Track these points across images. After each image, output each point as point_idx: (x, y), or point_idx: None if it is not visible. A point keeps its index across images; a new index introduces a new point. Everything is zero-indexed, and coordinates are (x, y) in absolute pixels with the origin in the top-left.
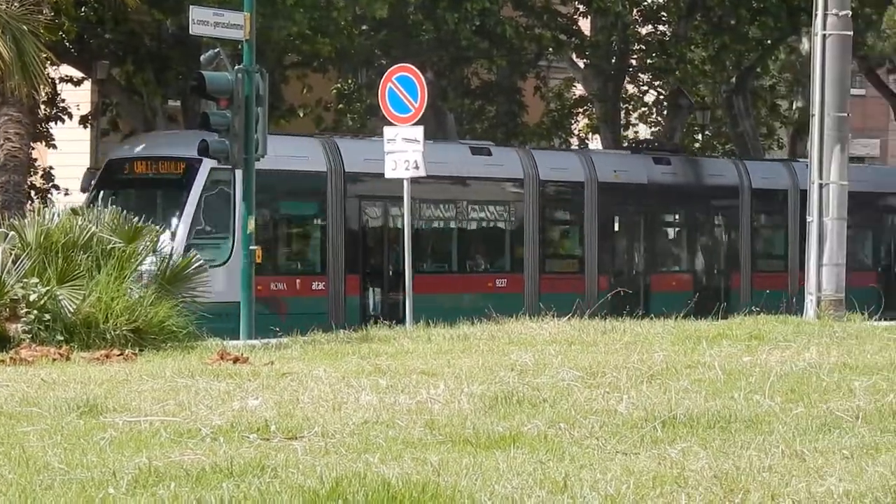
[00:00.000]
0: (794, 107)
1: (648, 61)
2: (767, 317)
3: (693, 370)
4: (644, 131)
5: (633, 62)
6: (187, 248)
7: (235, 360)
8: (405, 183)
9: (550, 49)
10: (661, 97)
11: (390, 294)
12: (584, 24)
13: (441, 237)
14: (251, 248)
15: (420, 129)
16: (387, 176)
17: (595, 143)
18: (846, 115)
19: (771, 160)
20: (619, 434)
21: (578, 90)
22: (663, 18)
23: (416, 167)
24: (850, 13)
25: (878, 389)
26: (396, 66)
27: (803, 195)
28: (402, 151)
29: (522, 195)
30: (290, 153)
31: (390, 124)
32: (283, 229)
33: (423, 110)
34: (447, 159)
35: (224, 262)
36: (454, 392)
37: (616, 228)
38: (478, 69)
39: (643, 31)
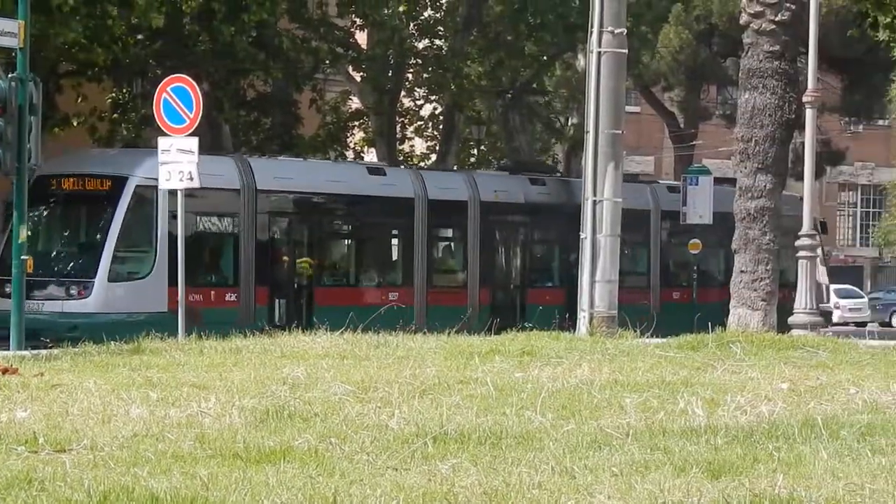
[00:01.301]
0: (569, 123)
1: (425, 75)
2: (540, 333)
3: (465, 386)
4: (420, 145)
5: (410, 76)
6: (113, 261)
7: (4, 371)
8: (179, 195)
9: (327, 62)
10: (437, 111)
11: (296, 304)
12: (361, 38)
13: (341, 252)
14: (22, 257)
15: (195, 141)
16: (160, 187)
17: (370, 156)
18: (621, 132)
19: (637, 182)
20: (389, 449)
21: (354, 103)
22: (440, 33)
23: (191, 178)
24: (626, 31)
25: (648, 407)
26: (172, 76)
27: (663, 215)
28: (177, 162)
29: (413, 213)
30: (206, 171)
31: (165, 135)
32: (200, 243)
33: (198, 121)
34: (346, 178)
35: (147, 275)
36: (225, 406)
37: (496, 245)
38: (254, 81)
39: (420, 45)
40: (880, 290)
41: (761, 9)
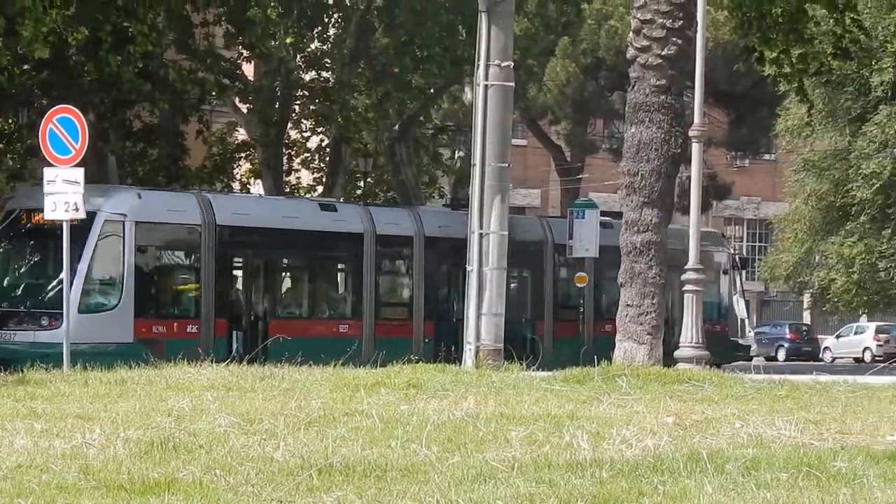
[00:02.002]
0: (456, 156)
1: (311, 107)
2: (427, 365)
3: (351, 418)
4: (307, 177)
5: (296, 108)
6: (83, 294)
7: None
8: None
9: (213, 93)
10: (324, 143)
11: (252, 335)
12: (248, 69)
13: (295, 285)
14: None
15: (80, 171)
16: (46, 217)
17: (257, 188)
18: (507, 165)
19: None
20: (274, 481)
21: (241, 134)
22: (327, 65)
23: (76, 209)
24: (513, 65)
25: (534, 440)
26: (57, 107)
27: (556, 248)
28: (63, 193)
29: (362, 248)
30: (169, 207)
31: (51, 165)
32: (163, 276)
33: (83, 152)
34: (299, 214)
35: (114, 307)
36: (110, 437)
37: (440, 278)
38: (140, 111)
39: (307, 77)
40: (766, 324)
41: (648, 43)
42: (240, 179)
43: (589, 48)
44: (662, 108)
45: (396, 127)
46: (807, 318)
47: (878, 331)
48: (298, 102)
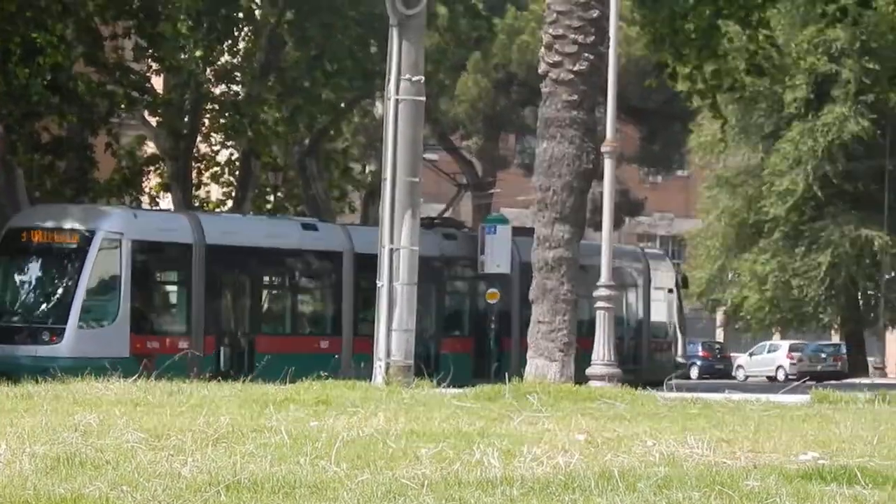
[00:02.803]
0: (366, 170)
1: (221, 121)
2: (336, 382)
3: (259, 434)
4: (216, 191)
5: (206, 121)
6: (82, 310)
7: None
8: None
9: (122, 106)
10: (234, 157)
11: (238, 352)
12: (157, 82)
13: (279, 302)
14: None
15: None
16: None
17: (166, 202)
18: (418, 179)
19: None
20: (182, 498)
21: (150, 148)
22: (237, 79)
23: None
24: (424, 79)
25: (444, 457)
26: None
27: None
28: None
29: (342, 266)
30: (161, 226)
31: None
32: (156, 294)
33: None
34: (283, 234)
35: (112, 322)
36: (15, 452)
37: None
38: (48, 124)
39: (217, 90)
40: None
41: (559, 58)
42: (149, 193)
43: (501, 63)
44: (574, 124)
45: (307, 141)
46: (720, 335)
47: (792, 349)
48: (208, 115)
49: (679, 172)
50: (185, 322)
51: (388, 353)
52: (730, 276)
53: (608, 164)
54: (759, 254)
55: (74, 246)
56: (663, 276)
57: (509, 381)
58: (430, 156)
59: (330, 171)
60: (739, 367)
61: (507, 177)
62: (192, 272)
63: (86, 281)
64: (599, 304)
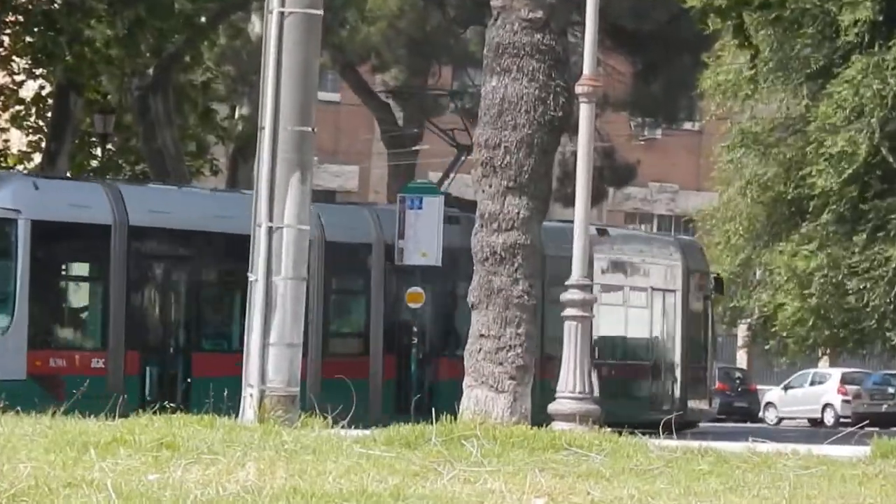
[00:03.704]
0: (236, 115)
1: (28, 39)
2: (188, 416)
3: (74, 491)
4: (18, 140)
5: (5, 40)
6: None
7: None
8: None
9: None
10: (45, 91)
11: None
12: None
13: (226, 308)
14: None
15: None
16: None
17: None
18: (311, 129)
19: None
20: None
21: None
22: None
23: None
24: None
25: None
26: None
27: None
28: None
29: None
30: (71, 201)
31: None
32: (64, 294)
33: None
34: (234, 213)
35: (3, 333)
36: None
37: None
38: None
39: None
40: None
41: None
42: None
43: None
44: (537, 53)
45: (150, 71)
46: (742, 359)
47: (845, 380)
48: (8, 32)
49: (687, 125)
50: (99, 334)
51: (263, 378)
52: (757, 274)
53: (585, 111)
54: (800, 243)
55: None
56: (700, 277)
57: (437, 419)
58: (328, 95)
59: (183, 114)
60: (770, 405)
61: (439, 126)
62: (109, 264)
63: None
64: (568, 311)
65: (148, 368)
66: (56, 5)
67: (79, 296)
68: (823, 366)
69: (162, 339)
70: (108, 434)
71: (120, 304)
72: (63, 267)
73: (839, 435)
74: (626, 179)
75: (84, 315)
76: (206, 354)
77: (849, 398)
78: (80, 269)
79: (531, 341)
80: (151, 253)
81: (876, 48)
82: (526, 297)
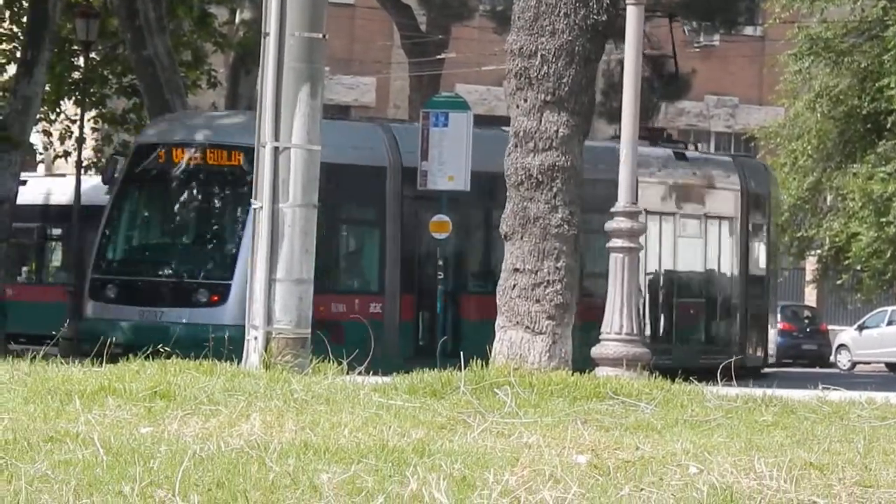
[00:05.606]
0: (237, 19)
1: None
2: (187, 362)
3: (58, 446)
4: None
5: None
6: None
7: None
8: None
9: None
10: None
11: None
12: None
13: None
14: None
15: None
16: None
17: None
18: (321, 35)
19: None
20: None
21: None
22: None
23: None
24: None
25: (358, 488)
26: None
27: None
28: None
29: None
30: (353, 143)
31: None
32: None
33: None
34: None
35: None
36: None
37: None
38: None
39: None
40: None
41: None
42: None
43: None
44: None
45: None
46: (811, 297)
47: None
48: None
49: (748, 30)
50: (377, 278)
51: (270, 318)
52: (828, 199)
53: (633, 14)
54: (876, 164)
55: (233, 169)
56: (762, 203)
57: (467, 364)
58: None
59: (177, 19)
60: (842, 347)
61: (466, 34)
62: (385, 206)
63: None
64: (614, 242)
65: (421, 313)
66: None
67: (358, 239)
68: None
69: (434, 283)
70: (94, 381)
71: (395, 248)
72: (344, 210)
73: None
74: (679, 93)
75: (362, 259)
76: (475, 297)
77: None
78: (360, 212)
79: (572, 276)
80: (425, 195)
81: None
82: (566, 226)
